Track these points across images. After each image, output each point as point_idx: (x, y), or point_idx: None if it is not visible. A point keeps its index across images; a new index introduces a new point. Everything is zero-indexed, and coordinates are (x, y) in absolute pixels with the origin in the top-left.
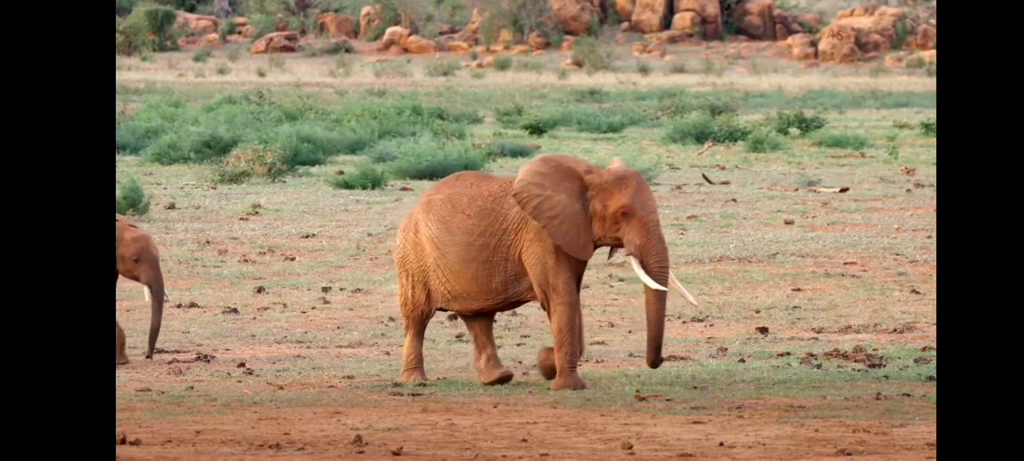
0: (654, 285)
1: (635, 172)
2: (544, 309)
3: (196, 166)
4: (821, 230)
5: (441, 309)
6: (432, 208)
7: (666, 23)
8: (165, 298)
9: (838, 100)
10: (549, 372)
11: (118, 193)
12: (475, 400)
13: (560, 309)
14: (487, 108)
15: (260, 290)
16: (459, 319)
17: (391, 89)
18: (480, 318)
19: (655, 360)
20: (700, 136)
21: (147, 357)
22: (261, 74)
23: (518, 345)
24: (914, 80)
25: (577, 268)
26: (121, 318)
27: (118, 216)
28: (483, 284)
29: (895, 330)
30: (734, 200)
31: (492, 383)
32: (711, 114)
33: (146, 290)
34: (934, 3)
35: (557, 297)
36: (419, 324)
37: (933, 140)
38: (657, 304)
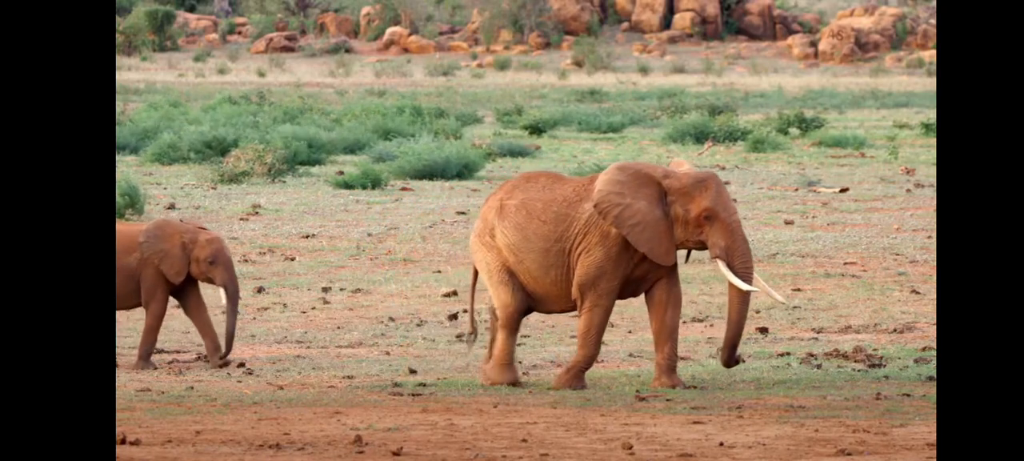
0: (743, 286)
1: (712, 173)
2: (575, 306)
3: (196, 166)
4: (821, 230)
5: (537, 309)
6: (507, 215)
7: (666, 23)
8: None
9: (838, 100)
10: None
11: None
12: (475, 400)
13: (595, 310)
14: (487, 108)
15: (260, 290)
16: (459, 319)
17: (391, 89)
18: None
19: (730, 360)
20: (700, 136)
21: (222, 359)
22: (261, 74)
23: (518, 345)
24: (914, 80)
25: (626, 278)
26: (121, 318)
27: (188, 219)
28: (564, 289)
29: (895, 330)
30: (734, 200)
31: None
32: (711, 114)
33: (222, 292)
34: (934, 3)
35: (597, 298)
36: (512, 323)
37: (933, 140)
38: (741, 305)
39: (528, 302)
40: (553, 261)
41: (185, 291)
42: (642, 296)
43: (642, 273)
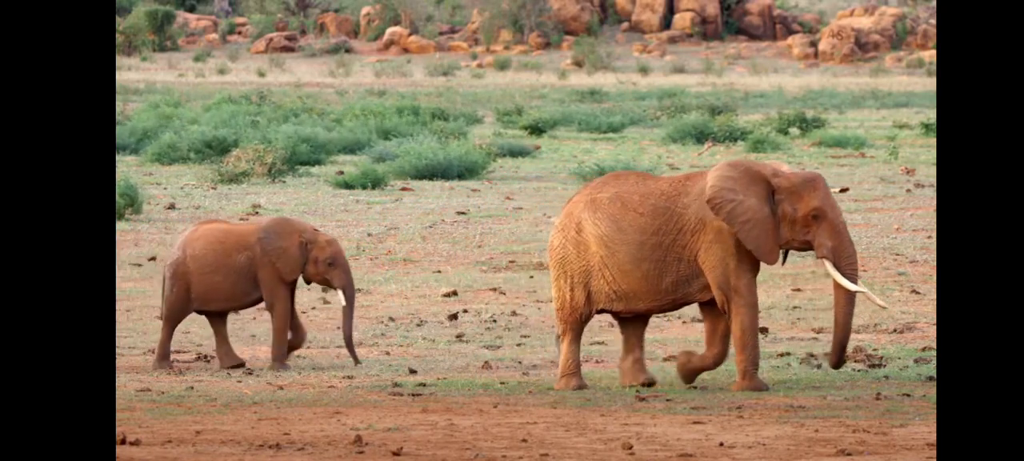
0: (850, 287)
1: (819, 173)
2: (723, 311)
3: (196, 166)
4: None
5: (602, 310)
6: (599, 206)
7: (666, 23)
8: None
9: (838, 100)
10: (689, 376)
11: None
12: (475, 400)
13: (743, 311)
14: (487, 108)
15: None
16: (459, 319)
17: (391, 89)
18: (637, 320)
19: (839, 361)
20: (700, 136)
21: (356, 362)
22: (261, 74)
23: (518, 345)
24: (914, 80)
25: (756, 269)
26: (121, 318)
27: (305, 221)
28: (653, 284)
29: (895, 330)
30: None
31: (634, 385)
32: (711, 114)
33: (340, 294)
34: (934, 3)
35: (739, 299)
36: (577, 327)
37: (933, 140)
38: (848, 306)
39: (601, 305)
40: (647, 254)
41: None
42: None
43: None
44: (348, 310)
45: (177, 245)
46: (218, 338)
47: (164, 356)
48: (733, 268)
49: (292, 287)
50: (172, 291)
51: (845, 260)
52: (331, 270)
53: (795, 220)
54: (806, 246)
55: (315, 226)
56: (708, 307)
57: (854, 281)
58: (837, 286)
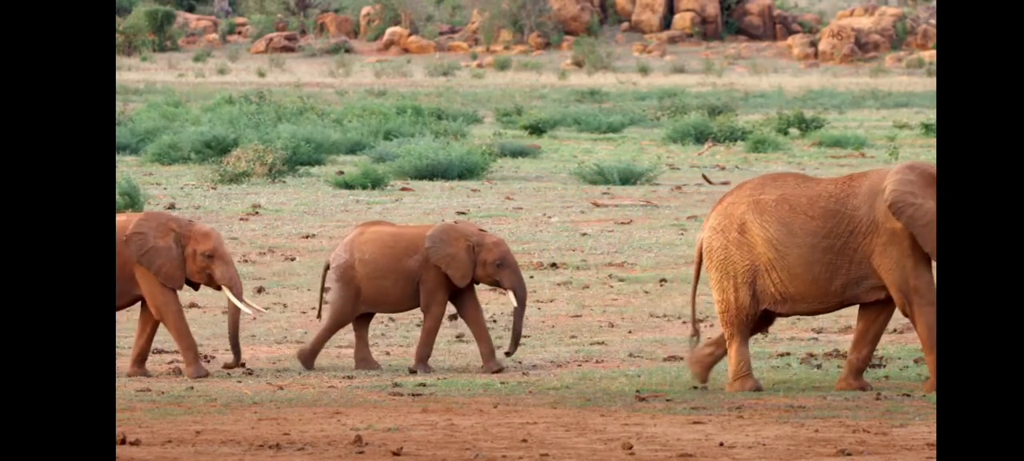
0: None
1: None
2: (904, 314)
3: (196, 166)
4: None
5: (767, 311)
6: (766, 209)
7: (666, 23)
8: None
9: (838, 100)
10: (847, 383)
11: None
12: (475, 400)
13: (927, 310)
14: (487, 108)
15: (260, 290)
16: (459, 319)
17: (391, 89)
18: (765, 324)
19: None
20: (700, 136)
21: (505, 356)
22: (261, 74)
23: (519, 345)
24: (914, 80)
25: (932, 267)
26: (121, 318)
27: (470, 221)
28: (823, 287)
29: (895, 330)
30: None
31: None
32: (711, 114)
33: (510, 294)
34: (934, 3)
35: (921, 299)
36: (744, 329)
37: (933, 140)
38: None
39: (766, 305)
40: (818, 257)
41: (462, 295)
42: (642, 296)
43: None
44: (519, 310)
45: (342, 247)
46: (359, 342)
47: (313, 354)
48: (911, 269)
49: (461, 295)
50: (339, 294)
51: None
52: (500, 271)
53: None
54: None
55: (480, 228)
56: (866, 309)
57: None
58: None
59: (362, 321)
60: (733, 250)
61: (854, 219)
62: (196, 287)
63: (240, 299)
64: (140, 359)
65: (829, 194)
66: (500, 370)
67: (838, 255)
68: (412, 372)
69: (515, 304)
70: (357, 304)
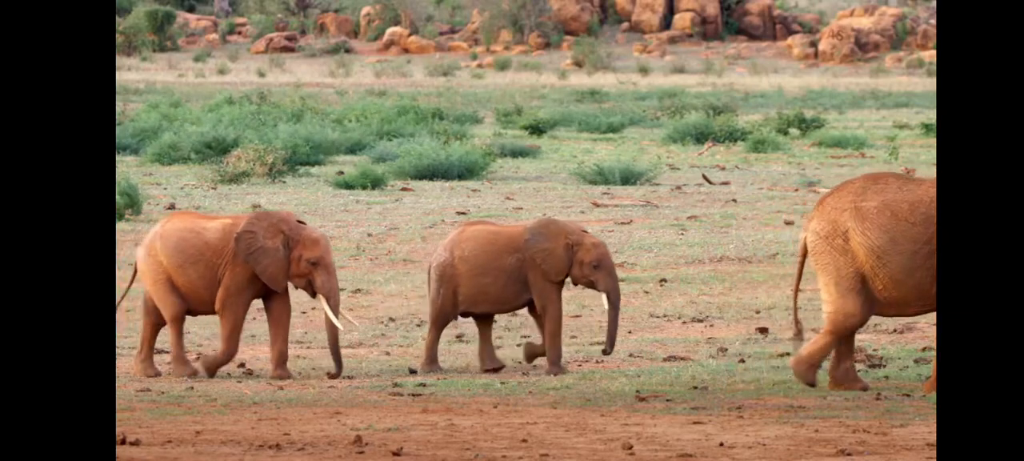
0: None
1: None
2: (930, 308)
3: (196, 166)
4: None
5: (878, 314)
6: (867, 216)
7: (666, 23)
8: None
9: (838, 100)
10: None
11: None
12: (475, 400)
13: None
14: (487, 108)
15: None
16: (459, 319)
17: (391, 89)
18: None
19: None
20: (700, 136)
21: (603, 354)
22: (261, 74)
23: (518, 345)
24: (914, 80)
25: None
26: (121, 318)
27: (569, 221)
28: (926, 291)
29: (895, 330)
30: (734, 200)
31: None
32: (711, 114)
33: (604, 298)
34: (934, 3)
35: None
36: (848, 335)
37: (933, 140)
38: None
39: (875, 311)
40: (920, 263)
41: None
42: (642, 296)
43: None
44: (612, 314)
45: (442, 246)
46: (482, 341)
47: (431, 359)
48: None
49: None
50: (439, 294)
51: None
52: (596, 273)
53: None
54: None
55: (582, 228)
56: None
57: None
58: None
59: (484, 321)
60: (838, 257)
61: None
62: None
63: (336, 312)
64: (281, 360)
65: (931, 198)
66: (563, 372)
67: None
68: (412, 372)
69: (606, 307)
70: (456, 303)
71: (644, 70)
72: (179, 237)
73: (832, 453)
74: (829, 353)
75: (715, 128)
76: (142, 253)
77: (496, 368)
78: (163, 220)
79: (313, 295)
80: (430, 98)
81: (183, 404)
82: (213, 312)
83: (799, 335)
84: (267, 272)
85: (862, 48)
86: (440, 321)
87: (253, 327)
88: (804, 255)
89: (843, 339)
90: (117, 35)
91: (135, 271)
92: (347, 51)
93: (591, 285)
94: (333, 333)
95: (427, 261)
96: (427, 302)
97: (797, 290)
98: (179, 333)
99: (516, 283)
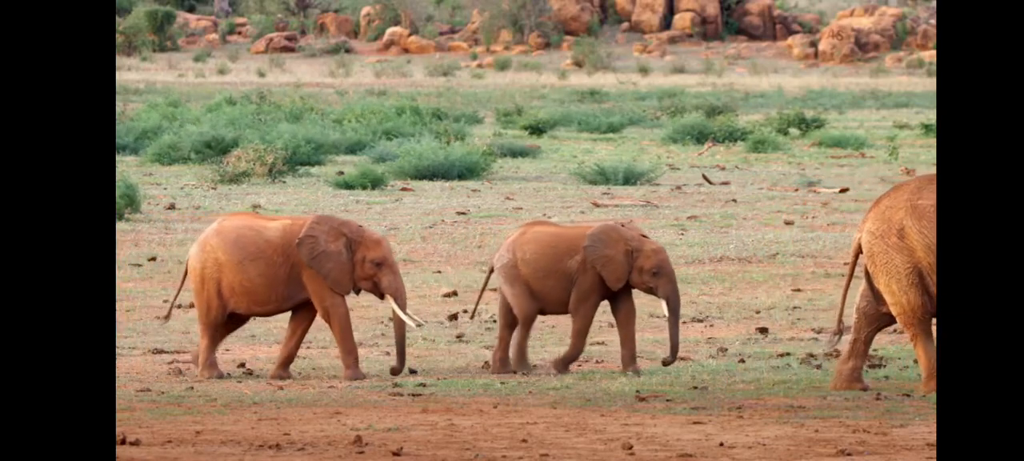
0: None
1: None
2: None
3: (196, 166)
4: (821, 230)
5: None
6: (923, 214)
7: (666, 23)
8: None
9: (838, 100)
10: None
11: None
12: (475, 400)
13: None
14: (487, 108)
15: None
16: (459, 319)
17: (391, 89)
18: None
19: None
20: (700, 136)
21: (664, 363)
22: (261, 74)
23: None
24: (914, 80)
25: None
26: (121, 318)
27: (632, 224)
28: None
29: (895, 330)
30: (734, 200)
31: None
32: (711, 114)
33: (663, 304)
34: (934, 3)
35: None
36: (925, 326)
37: (933, 140)
38: None
39: (933, 304)
40: None
41: (618, 298)
42: (642, 296)
43: None
44: (673, 320)
45: (505, 247)
46: (520, 340)
47: (521, 357)
48: None
49: (617, 298)
50: (515, 293)
51: None
52: (656, 279)
53: None
54: None
55: (641, 232)
56: None
57: None
58: None
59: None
60: (894, 254)
61: None
62: (357, 292)
63: (404, 310)
64: (286, 362)
65: None
66: (639, 374)
67: None
68: (412, 372)
69: (666, 313)
70: (533, 299)
71: (644, 70)
72: (238, 234)
73: (832, 453)
74: (929, 349)
75: (715, 128)
76: (195, 251)
77: (526, 372)
78: (219, 218)
79: (380, 297)
80: (430, 98)
81: (183, 404)
82: (267, 313)
83: (839, 333)
84: (331, 275)
85: (862, 48)
86: (526, 320)
87: (253, 327)
88: (856, 254)
89: (928, 328)
90: (117, 35)
91: (185, 273)
92: (347, 51)
93: (650, 291)
94: (400, 330)
95: (429, 261)
96: (497, 305)
97: (847, 290)
98: (212, 339)
99: (573, 286)
